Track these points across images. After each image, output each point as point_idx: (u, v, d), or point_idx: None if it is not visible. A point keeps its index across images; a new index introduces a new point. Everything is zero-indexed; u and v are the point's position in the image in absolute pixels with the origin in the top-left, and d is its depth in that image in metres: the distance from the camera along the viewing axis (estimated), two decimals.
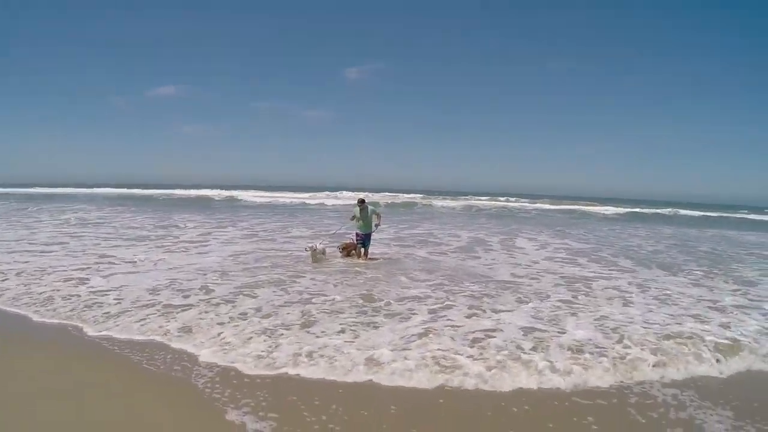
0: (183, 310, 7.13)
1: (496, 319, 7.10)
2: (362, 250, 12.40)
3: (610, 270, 11.97)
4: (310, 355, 5.51)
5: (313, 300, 7.89)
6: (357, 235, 12.42)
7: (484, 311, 7.51)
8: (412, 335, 6.24)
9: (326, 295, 8.24)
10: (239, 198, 46.03)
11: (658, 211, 46.99)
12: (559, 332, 6.55)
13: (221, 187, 62.73)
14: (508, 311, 7.59)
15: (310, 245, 11.73)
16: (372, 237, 12.60)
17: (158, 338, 6.07)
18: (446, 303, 7.94)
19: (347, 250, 12.46)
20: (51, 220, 20.85)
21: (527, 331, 6.56)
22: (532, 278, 10.44)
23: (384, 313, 7.25)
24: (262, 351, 5.59)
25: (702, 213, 46.44)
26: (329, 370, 5.17)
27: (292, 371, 5.13)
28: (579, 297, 8.76)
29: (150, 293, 8.12)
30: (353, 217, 12.38)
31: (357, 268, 11.10)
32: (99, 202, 37.17)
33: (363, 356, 5.51)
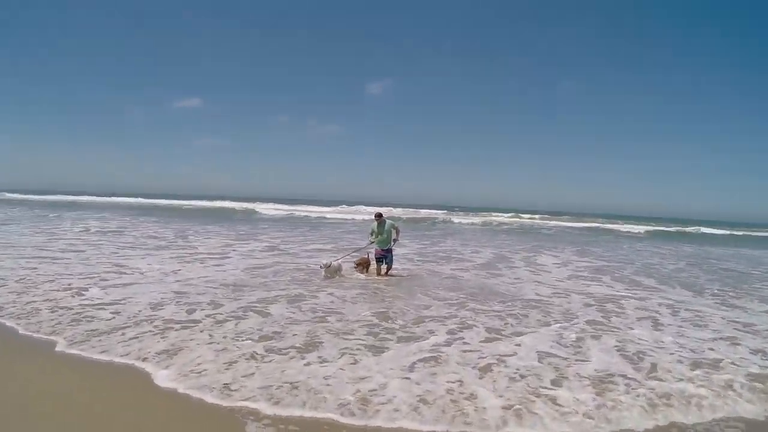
0: (183, 328, 6.70)
1: (517, 343, 6.64)
2: (383, 267, 11.94)
3: (634, 289, 11.58)
4: (283, 385, 4.90)
5: (326, 318, 7.52)
6: (376, 251, 11.94)
7: (507, 335, 7.04)
8: (420, 361, 5.73)
9: (340, 313, 7.90)
10: (258, 210, 45.85)
11: (682, 228, 46.11)
12: (583, 360, 6.09)
13: (240, 199, 63.37)
14: (532, 332, 7.23)
15: (324, 262, 11.23)
16: (393, 252, 12.16)
17: (133, 361, 5.48)
18: (467, 323, 7.53)
19: (362, 266, 12.16)
20: (71, 228, 20.94)
21: (551, 358, 6.10)
22: (558, 297, 10.05)
23: (398, 335, 6.79)
24: (233, 379, 5.00)
25: (727, 231, 45.69)
26: (295, 404, 4.55)
27: (253, 405, 4.50)
28: (608, 318, 8.35)
29: (153, 308, 7.72)
30: (372, 233, 11.89)
31: (377, 285, 10.83)
32: (121, 211, 37.54)
33: (349, 388, 4.90)
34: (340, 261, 11.81)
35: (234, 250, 15.56)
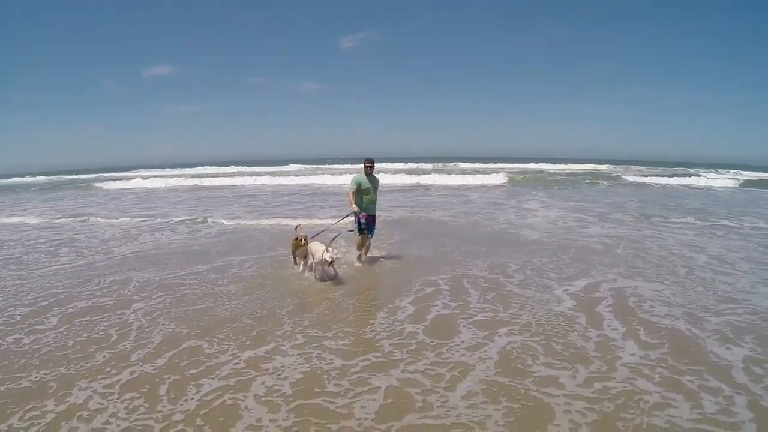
0: None
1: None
2: (364, 241, 8.75)
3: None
4: None
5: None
6: (362, 217, 8.58)
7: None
8: None
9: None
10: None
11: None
12: None
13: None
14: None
15: (327, 254, 7.57)
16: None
17: None
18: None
19: (298, 251, 8.43)
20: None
21: None
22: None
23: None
24: None
25: None
26: None
27: None
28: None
29: None
30: (357, 189, 8.50)
31: (354, 281, 7.95)
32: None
33: None
34: (333, 250, 7.77)
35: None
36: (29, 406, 4.31)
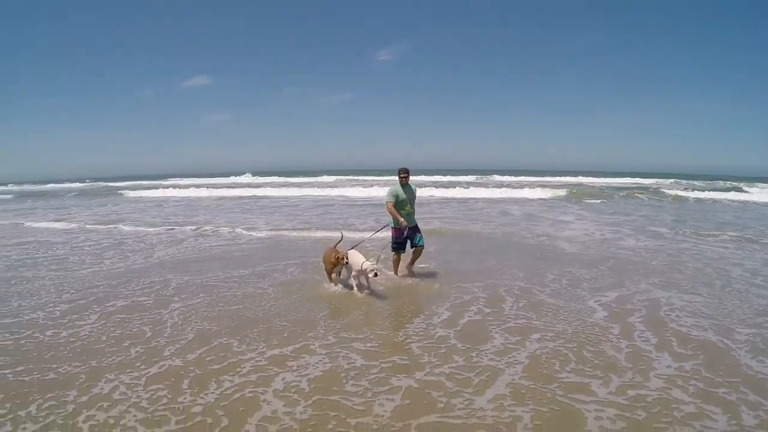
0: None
1: None
2: (405, 254, 8.30)
3: None
4: None
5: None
6: (398, 233, 8.04)
7: None
8: None
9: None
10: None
11: None
12: None
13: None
14: None
15: (369, 267, 7.17)
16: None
17: None
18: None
19: (334, 267, 7.74)
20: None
21: None
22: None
23: None
24: None
25: None
26: None
27: None
28: None
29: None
30: (395, 200, 7.90)
31: (405, 294, 7.63)
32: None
33: None
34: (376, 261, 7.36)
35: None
36: (50, 395, 4.53)
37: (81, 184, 63.94)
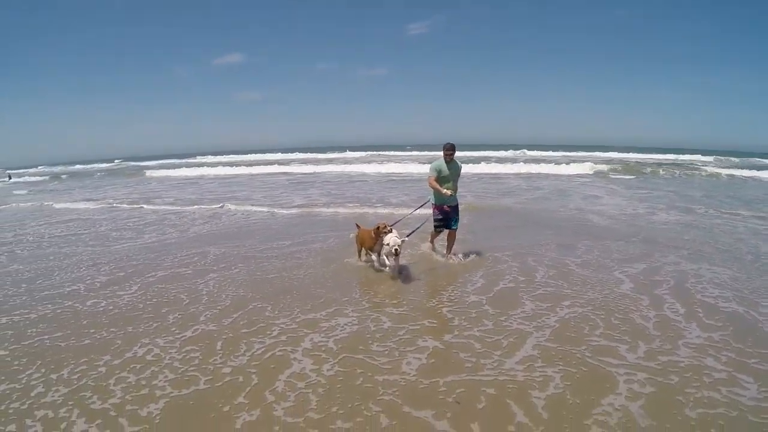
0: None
1: None
2: (449, 234, 7.94)
3: None
4: None
5: None
6: (439, 209, 7.76)
7: None
8: None
9: None
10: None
11: None
12: None
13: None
14: None
15: (399, 242, 7.03)
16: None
17: None
18: None
19: (369, 244, 7.57)
20: None
21: None
22: None
23: None
24: None
25: None
26: None
27: None
28: None
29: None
30: (438, 176, 7.56)
31: (451, 280, 7.09)
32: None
33: None
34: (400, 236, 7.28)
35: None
36: (84, 360, 4.81)
37: (109, 164, 63.91)
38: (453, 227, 7.85)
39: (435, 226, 7.91)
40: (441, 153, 7.61)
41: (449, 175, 7.57)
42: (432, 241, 8.31)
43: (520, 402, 3.89)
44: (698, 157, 49.87)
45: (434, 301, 6.23)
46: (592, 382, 4.17)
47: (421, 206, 8.46)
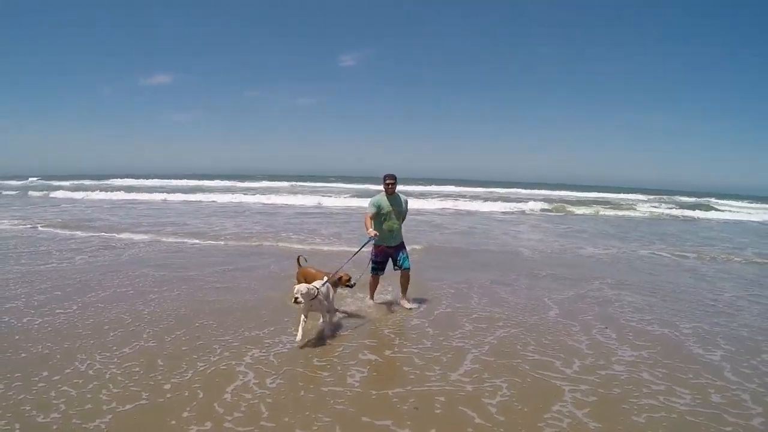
0: None
1: None
2: (375, 283, 6.89)
3: None
4: None
5: None
6: (378, 251, 6.67)
7: None
8: None
9: None
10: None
11: None
12: None
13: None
14: None
15: (302, 290, 5.22)
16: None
17: None
18: None
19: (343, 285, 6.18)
20: None
21: None
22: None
23: None
24: None
25: None
26: None
27: None
28: None
29: None
30: (375, 215, 6.47)
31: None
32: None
33: None
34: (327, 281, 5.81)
35: None
36: (18, 375, 4.38)
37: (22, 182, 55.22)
38: (404, 266, 6.66)
39: (372, 268, 6.73)
40: (379, 186, 6.71)
41: (390, 211, 6.50)
42: (372, 292, 6.93)
43: (473, 407, 3.93)
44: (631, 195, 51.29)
45: (377, 323, 6.18)
46: (538, 391, 4.23)
47: (363, 246, 6.73)
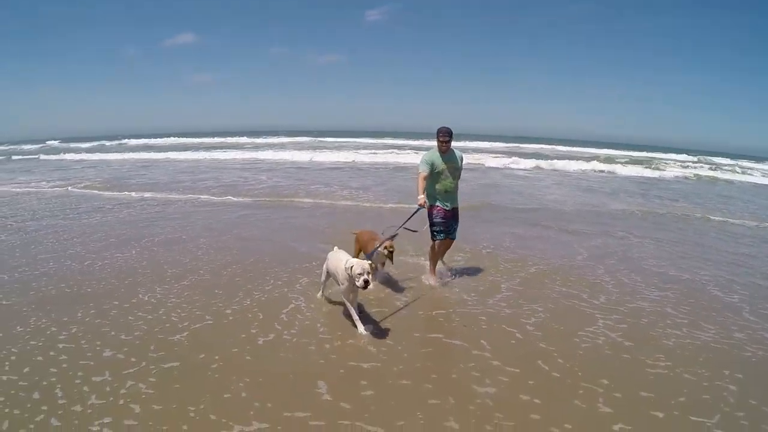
0: None
1: None
2: (440, 250, 5.83)
3: None
4: None
5: None
6: (435, 212, 5.65)
7: None
8: None
9: None
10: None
11: None
12: None
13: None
14: None
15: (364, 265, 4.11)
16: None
17: None
18: None
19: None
20: None
21: None
22: None
23: None
24: None
25: None
26: None
27: None
28: None
29: None
30: (430, 170, 5.48)
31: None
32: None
33: None
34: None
35: None
36: (92, 304, 4.95)
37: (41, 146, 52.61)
38: (453, 236, 5.84)
39: (433, 233, 5.72)
40: (434, 142, 5.71)
41: (446, 169, 5.59)
42: (433, 264, 5.89)
43: (514, 326, 4.49)
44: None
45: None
46: (572, 315, 4.75)
47: (413, 214, 5.53)
